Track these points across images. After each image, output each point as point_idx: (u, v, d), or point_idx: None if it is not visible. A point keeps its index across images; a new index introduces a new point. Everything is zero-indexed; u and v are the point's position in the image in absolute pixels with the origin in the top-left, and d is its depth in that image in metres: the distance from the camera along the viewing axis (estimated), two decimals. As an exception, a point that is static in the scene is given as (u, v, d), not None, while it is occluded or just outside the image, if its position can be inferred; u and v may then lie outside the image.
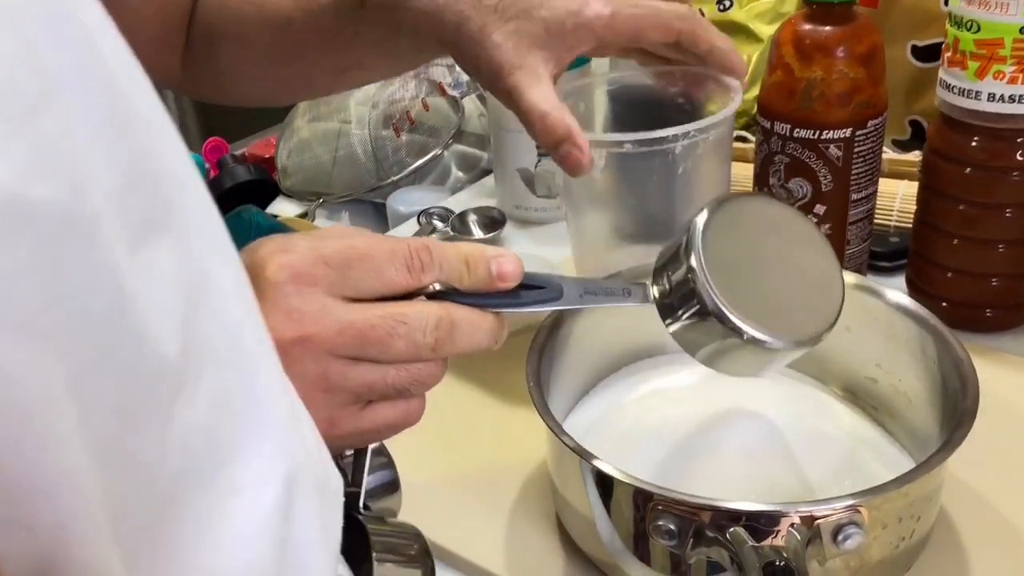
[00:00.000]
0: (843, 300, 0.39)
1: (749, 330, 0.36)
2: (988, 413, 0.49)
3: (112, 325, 0.19)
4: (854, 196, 0.59)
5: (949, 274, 0.59)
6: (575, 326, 0.48)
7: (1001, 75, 0.52)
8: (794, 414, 0.47)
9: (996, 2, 0.51)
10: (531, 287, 0.36)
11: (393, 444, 0.41)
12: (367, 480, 0.36)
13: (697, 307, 0.36)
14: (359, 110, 0.94)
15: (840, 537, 0.36)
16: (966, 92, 0.54)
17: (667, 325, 0.38)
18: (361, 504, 0.34)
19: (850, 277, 0.50)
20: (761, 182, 0.62)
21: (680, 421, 0.46)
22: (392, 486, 0.38)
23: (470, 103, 0.94)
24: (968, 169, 0.56)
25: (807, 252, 0.40)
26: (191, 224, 0.23)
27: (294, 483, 0.24)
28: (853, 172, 0.58)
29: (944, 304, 0.60)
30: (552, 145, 0.46)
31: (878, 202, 0.68)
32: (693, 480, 0.43)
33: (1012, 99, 0.52)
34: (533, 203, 0.77)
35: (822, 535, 0.36)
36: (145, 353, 0.20)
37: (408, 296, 0.34)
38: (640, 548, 0.39)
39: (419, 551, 0.33)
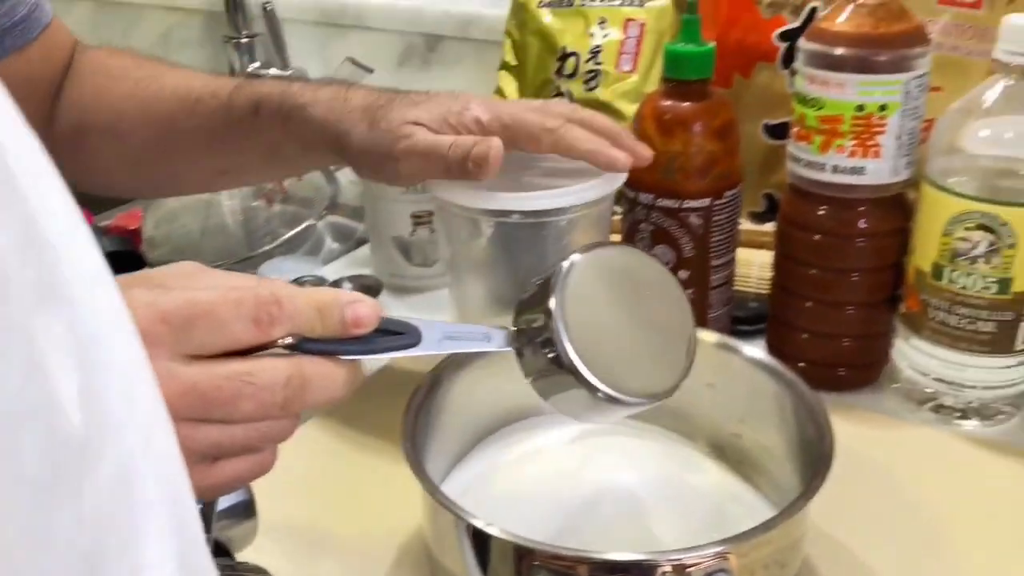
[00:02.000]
0: (694, 354, 0.41)
1: (599, 385, 0.37)
2: (847, 467, 0.52)
3: (26, 390, 0.18)
4: (714, 262, 0.62)
5: (804, 335, 0.63)
6: (451, 388, 0.48)
7: (842, 148, 0.56)
8: (663, 471, 0.49)
9: (835, 82, 0.55)
10: (390, 332, 0.36)
11: (264, 512, 0.40)
12: (222, 501, 0.35)
13: (551, 355, 0.37)
14: (230, 181, 0.93)
15: (710, 585, 0.37)
16: (812, 164, 0.58)
17: (523, 371, 0.39)
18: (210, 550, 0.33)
19: (712, 336, 0.52)
20: (628, 249, 0.64)
21: (555, 481, 0.47)
22: (248, 510, 0.37)
23: (344, 175, 0.95)
24: (817, 236, 0.60)
25: (665, 305, 0.42)
26: (82, 288, 0.22)
27: (186, 556, 0.23)
28: (712, 240, 0.61)
29: (801, 364, 0.63)
30: (463, 156, 0.50)
31: (738, 270, 0.72)
32: (569, 538, 0.43)
33: (852, 171, 0.57)
34: (409, 271, 0.77)
35: (693, 583, 0.37)
36: (58, 422, 0.19)
37: (258, 347, 0.34)
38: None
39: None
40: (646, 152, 0.55)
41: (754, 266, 0.73)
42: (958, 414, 0.59)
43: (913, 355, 0.59)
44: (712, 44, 0.59)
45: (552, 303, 0.37)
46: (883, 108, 0.55)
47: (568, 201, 0.54)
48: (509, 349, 0.39)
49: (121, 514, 0.22)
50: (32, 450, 0.18)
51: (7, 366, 0.18)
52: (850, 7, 0.55)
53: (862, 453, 0.55)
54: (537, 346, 0.38)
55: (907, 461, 0.55)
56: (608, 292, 0.40)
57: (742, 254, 0.72)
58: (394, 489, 0.51)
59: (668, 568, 0.36)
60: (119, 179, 0.61)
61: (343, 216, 0.94)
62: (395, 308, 0.76)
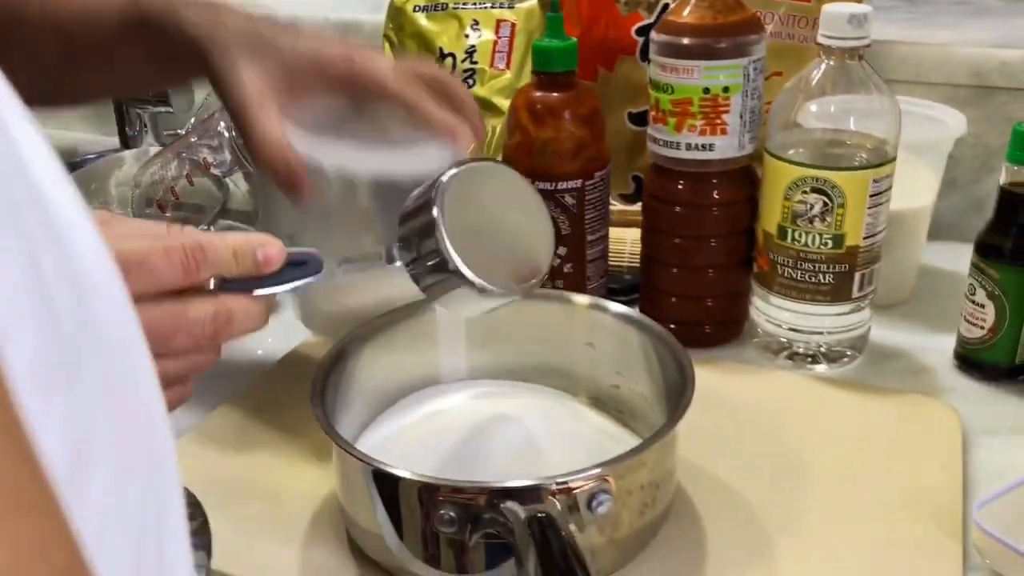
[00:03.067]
0: (552, 256, 0.49)
1: (479, 281, 0.43)
2: (715, 409, 0.59)
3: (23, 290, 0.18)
4: (589, 238, 0.68)
5: (673, 299, 0.69)
6: (355, 360, 0.52)
7: (693, 128, 0.63)
8: (549, 420, 0.54)
9: (683, 68, 0.62)
10: (295, 264, 0.42)
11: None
12: None
13: (436, 261, 0.43)
14: (120, 191, 0.95)
15: (594, 504, 0.42)
16: (669, 144, 0.64)
17: (412, 278, 0.45)
18: None
19: (586, 299, 0.58)
20: (511, 230, 0.69)
21: (452, 434, 0.52)
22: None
23: (234, 181, 0.97)
24: (678, 208, 0.67)
25: (529, 215, 0.49)
26: (53, 190, 0.21)
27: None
28: (586, 217, 0.67)
29: (671, 326, 0.70)
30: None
31: (612, 247, 0.78)
32: (468, 476, 0.48)
33: (703, 147, 0.63)
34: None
35: (579, 504, 0.42)
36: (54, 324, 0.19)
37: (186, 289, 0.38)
38: (425, 543, 0.44)
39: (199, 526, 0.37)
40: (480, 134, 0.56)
41: (626, 243, 0.80)
42: (810, 359, 0.66)
43: (768, 309, 0.66)
44: (575, 39, 0.65)
45: (435, 212, 0.43)
46: (726, 90, 0.62)
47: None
48: (399, 264, 0.44)
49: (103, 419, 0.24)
50: (29, 346, 0.19)
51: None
52: (693, 2, 0.62)
53: (727, 397, 0.62)
54: (423, 255, 0.44)
55: (767, 401, 0.62)
56: (481, 202, 0.46)
57: (615, 232, 0.78)
58: (306, 461, 0.55)
59: (555, 489, 0.41)
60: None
61: (235, 221, 0.96)
62: (284, 309, 0.79)
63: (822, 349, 0.66)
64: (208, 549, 0.40)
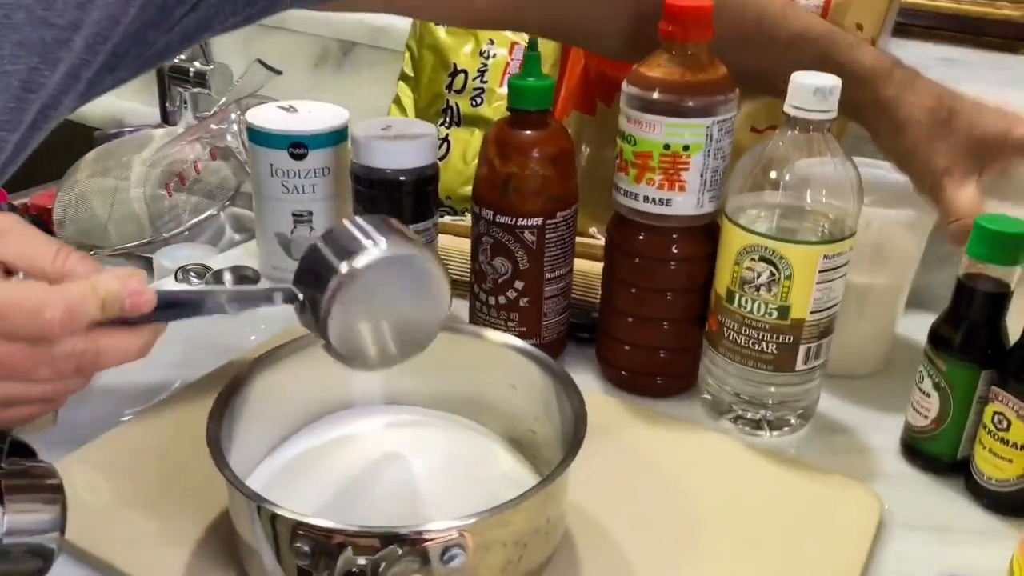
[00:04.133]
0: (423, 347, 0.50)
1: (338, 353, 0.46)
2: (629, 464, 0.59)
3: None
4: (548, 275, 0.69)
5: (627, 347, 0.69)
6: (263, 381, 0.54)
7: (652, 181, 0.63)
8: (453, 459, 0.55)
9: (646, 122, 0.61)
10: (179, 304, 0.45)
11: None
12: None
13: (316, 319, 0.46)
14: (140, 168, 0.99)
15: (446, 557, 0.43)
16: (629, 194, 0.64)
17: (300, 320, 0.47)
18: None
19: (515, 342, 0.58)
20: (473, 257, 0.70)
21: (350, 465, 0.53)
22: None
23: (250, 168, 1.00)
24: (637, 259, 0.67)
25: (425, 307, 0.49)
26: None
27: None
28: (546, 255, 0.68)
29: (624, 373, 0.70)
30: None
31: (584, 281, 0.78)
32: (347, 514, 0.49)
33: (661, 202, 0.63)
34: (290, 266, 0.83)
35: (430, 556, 0.43)
36: None
37: None
38: (293, 570, 0.45)
39: (53, 486, 0.40)
40: None
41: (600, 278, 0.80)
42: (753, 425, 0.65)
43: (714, 370, 0.66)
44: (551, 80, 0.66)
45: (331, 283, 0.45)
46: (687, 148, 0.61)
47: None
48: (287, 305, 0.47)
49: None
50: None
51: None
52: (666, 56, 0.62)
53: (649, 455, 0.62)
54: (308, 306, 0.46)
55: (687, 463, 0.61)
56: (383, 283, 0.46)
57: (590, 266, 0.79)
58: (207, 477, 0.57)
59: (409, 539, 0.42)
60: None
61: (246, 208, 0.99)
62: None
63: (768, 416, 0.65)
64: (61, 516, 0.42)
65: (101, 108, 1.31)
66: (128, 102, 1.31)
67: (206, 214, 0.95)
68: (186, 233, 0.94)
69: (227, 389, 0.51)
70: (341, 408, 0.58)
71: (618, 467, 0.60)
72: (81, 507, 0.46)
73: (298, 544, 0.43)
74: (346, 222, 0.48)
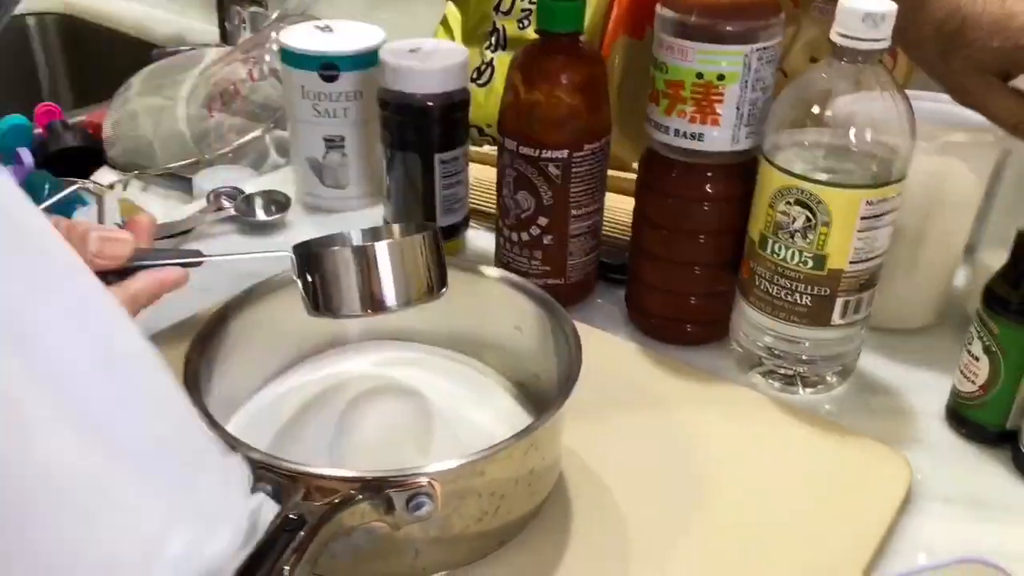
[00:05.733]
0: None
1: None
2: (641, 414, 0.56)
3: None
4: (574, 212, 0.65)
5: (656, 292, 0.65)
6: (249, 316, 0.52)
7: (683, 113, 0.58)
8: (452, 399, 0.53)
9: (678, 48, 0.56)
10: None
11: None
12: None
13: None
14: (188, 87, 0.97)
15: (411, 505, 0.41)
16: (659, 127, 0.60)
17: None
18: None
19: (522, 283, 0.55)
20: (498, 191, 0.67)
21: (338, 405, 0.51)
22: None
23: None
24: (669, 199, 0.62)
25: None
26: None
27: None
28: (572, 191, 0.64)
29: (653, 320, 0.66)
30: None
31: (618, 218, 0.74)
32: (329, 457, 0.48)
33: (693, 136, 0.58)
34: (322, 192, 0.81)
35: (395, 503, 0.41)
36: None
37: None
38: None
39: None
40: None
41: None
42: (786, 380, 0.61)
43: (745, 320, 0.61)
44: (583, -1, 0.61)
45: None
46: (721, 78, 0.56)
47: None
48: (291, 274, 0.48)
49: None
50: None
51: None
52: (705, -24, 0.56)
53: (667, 407, 0.58)
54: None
55: (708, 417, 0.57)
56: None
57: (627, 204, 0.74)
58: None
59: (366, 484, 0.40)
60: None
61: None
62: (303, 225, 0.80)
63: (801, 371, 0.61)
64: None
65: (163, 26, 1.30)
66: (191, 20, 1.30)
67: (249, 136, 0.93)
68: (230, 155, 0.93)
69: (209, 323, 0.49)
70: (335, 344, 0.56)
71: (631, 419, 0.57)
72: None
73: (260, 484, 0.42)
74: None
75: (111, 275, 0.50)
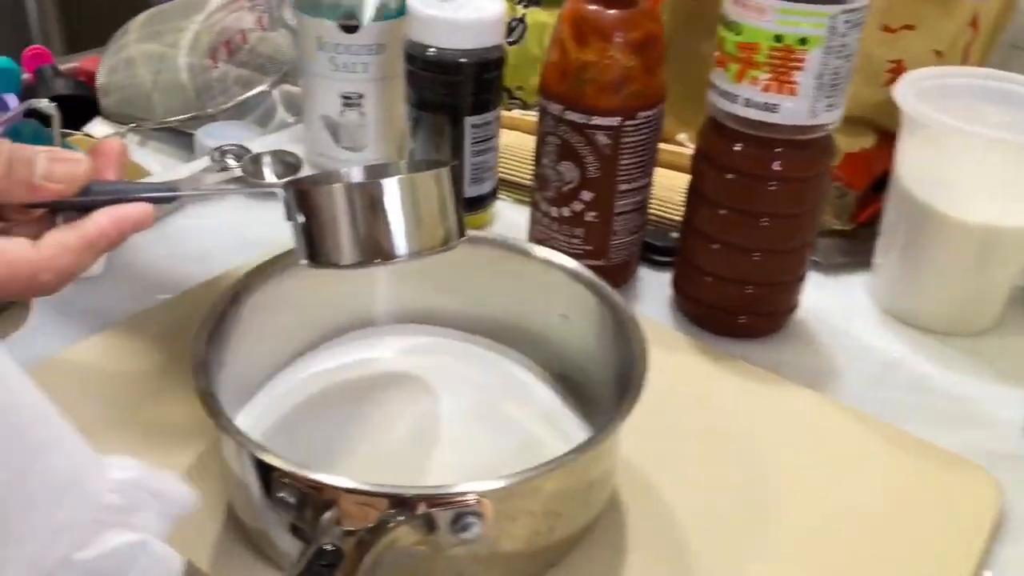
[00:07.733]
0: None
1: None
2: (697, 418, 0.50)
3: None
4: (622, 187, 0.59)
5: (708, 278, 0.59)
6: (266, 293, 0.46)
7: (756, 81, 0.51)
8: (488, 393, 0.47)
9: (754, 5, 0.50)
10: None
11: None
12: None
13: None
14: (191, 35, 0.90)
15: (457, 526, 0.35)
16: (726, 94, 0.53)
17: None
18: None
19: (572, 265, 0.49)
20: (537, 160, 0.60)
21: (362, 397, 0.45)
22: None
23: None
24: (730, 175, 0.56)
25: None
26: None
27: None
28: (621, 163, 0.57)
29: (702, 308, 0.60)
30: None
31: (665, 195, 0.68)
32: (351, 460, 0.41)
33: (765, 106, 0.52)
34: (336, 153, 0.75)
35: (438, 522, 0.35)
36: None
37: None
38: (274, 515, 0.38)
39: None
40: None
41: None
42: (849, 380, 0.55)
43: (809, 312, 0.55)
44: (644, -53, 0.54)
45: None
46: (803, 41, 0.50)
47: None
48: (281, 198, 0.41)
49: None
50: None
51: None
52: (789, -77, 0.49)
53: (722, 408, 0.53)
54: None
55: (766, 421, 0.52)
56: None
57: (675, 180, 0.68)
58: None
59: (408, 503, 0.34)
60: None
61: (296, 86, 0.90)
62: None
63: (867, 371, 0.55)
64: None
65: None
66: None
67: (256, 90, 0.86)
68: (233, 110, 0.86)
69: (221, 301, 0.43)
70: (359, 327, 0.50)
71: (683, 420, 0.51)
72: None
73: (282, 494, 0.36)
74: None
75: (69, 211, 0.41)
